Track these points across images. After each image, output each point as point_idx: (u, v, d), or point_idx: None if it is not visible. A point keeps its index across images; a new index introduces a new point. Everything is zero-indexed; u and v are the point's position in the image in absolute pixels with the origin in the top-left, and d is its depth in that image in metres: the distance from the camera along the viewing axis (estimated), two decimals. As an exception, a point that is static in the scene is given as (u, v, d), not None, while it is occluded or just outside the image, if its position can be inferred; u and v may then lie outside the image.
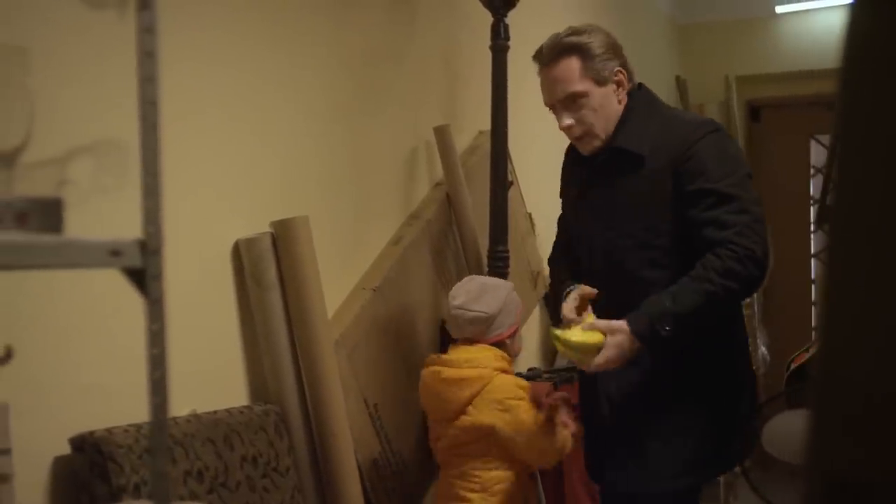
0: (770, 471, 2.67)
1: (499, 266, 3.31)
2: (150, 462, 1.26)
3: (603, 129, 2.58)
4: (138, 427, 2.15)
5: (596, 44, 2.58)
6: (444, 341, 3.33)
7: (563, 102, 2.59)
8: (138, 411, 2.20)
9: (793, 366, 4.00)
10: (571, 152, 2.79)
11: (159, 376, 1.16)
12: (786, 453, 2.54)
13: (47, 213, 1.11)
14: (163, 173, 1.16)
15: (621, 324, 2.37)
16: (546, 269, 4.25)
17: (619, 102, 2.60)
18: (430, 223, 3.32)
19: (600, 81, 2.57)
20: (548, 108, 2.66)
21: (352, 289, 3.04)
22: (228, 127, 2.54)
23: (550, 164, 4.52)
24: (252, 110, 2.63)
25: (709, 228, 2.37)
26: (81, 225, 1.21)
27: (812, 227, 6.59)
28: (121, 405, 2.18)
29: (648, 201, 2.49)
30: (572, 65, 2.57)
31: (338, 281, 2.93)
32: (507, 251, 3.33)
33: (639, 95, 2.64)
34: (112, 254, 1.10)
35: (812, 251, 6.64)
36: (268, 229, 2.60)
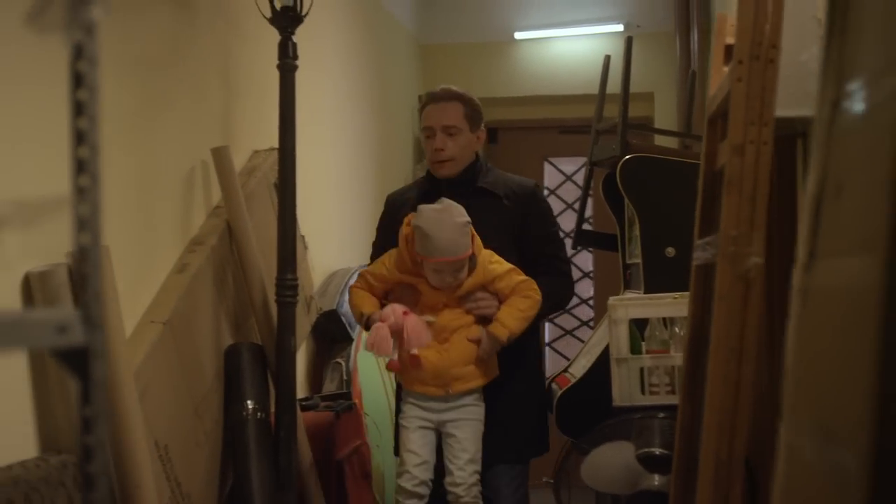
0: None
1: (287, 295, 3.18)
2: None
3: (458, 165, 3.30)
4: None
5: (472, 102, 3.36)
6: (229, 372, 3.17)
7: (443, 130, 3.26)
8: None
9: (554, 387, 4.12)
10: (406, 199, 3.39)
11: (97, 471, 0.99)
12: (604, 484, 2.60)
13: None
14: (103, 233, 0.99)
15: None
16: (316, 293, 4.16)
17: (474, 151, 3.35)
18: (213, 250, 3.14)
19: (472, 128, 3.31)
20: (423, 133, 3.34)
21: (138, 321, 2.82)
22: (7, 149, 2.27)
23: (318, 186, 4.44)
24: (33, 128, 2.36)
25: (546, 257, 3.27)
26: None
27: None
28: None
29: (501, 232, 3.20)
30: (458, 107, 3.31)
31: (123, 312, 2.70)
32: (295, 279, 3.20)
33: (482, 158, 3.44)
34: (58, 330, 0.93)
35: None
36: (63, 260, 2.36)
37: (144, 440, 2.47)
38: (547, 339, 6.85)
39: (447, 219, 2.95)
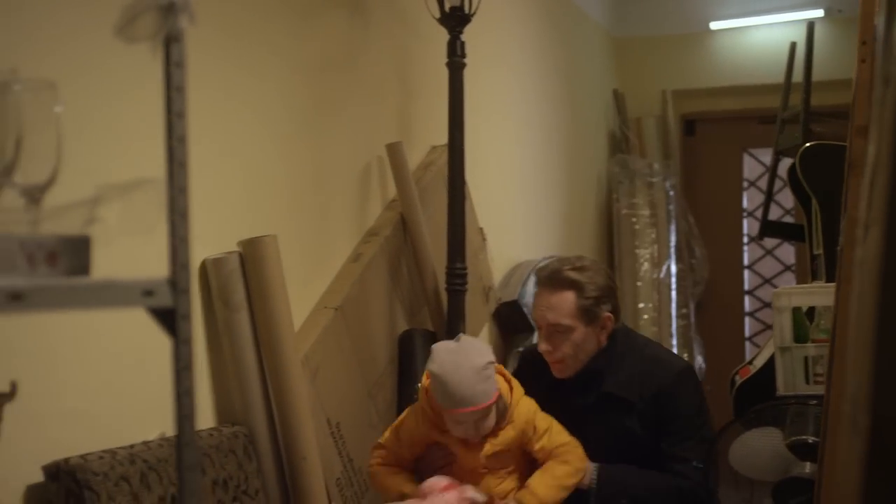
0: (738, 488, 2.75)
1: (457, 283, 3.32)
2: None
3: (576, 364, 2.76)
4: (113, 453, 2.12)
5: (593, 286, 2.72)
6: (402, 357, 3.34)
7: (548, 328, 2.73)
8: (111, 436, 2.19)
9: (737, 378, 4.08)
10: (541, 366, 2.84)
11: (186, 414, 1.14)
12: (754, 470, 2.60)
13: (76, 253, 1.10)
14: (190, 211, 1.14)
15: None
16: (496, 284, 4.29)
17: (599, 342, 2.76)
18: (387, 241, 3.31)
19: (588, 322, 2.72)
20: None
21: (313, 306, 3.02)
22: (190, 143, 2.50)
23: (501, 180, 4.58)
24: (212, 125, 2.58)
25: (672, 461, 2.68)
26: (108, 264, 1.19)
27: (745, 239, 6.71)
28: (94, 431, 2.15)
29: (641, 440, 2.72)
30: (568, 299, 2.70)
31: (299, 298, 2.91)
32: (465, 268, 3.34)
33: (620, 335, 2.81)
34: (145, 294, 1.09)
35: (745, 262, 6.76)
36: (235, 248, 2.58)
37: (311, 416, 2.66)
38: (748, 334, 6.75)
39: (464, 362, 2.45)
